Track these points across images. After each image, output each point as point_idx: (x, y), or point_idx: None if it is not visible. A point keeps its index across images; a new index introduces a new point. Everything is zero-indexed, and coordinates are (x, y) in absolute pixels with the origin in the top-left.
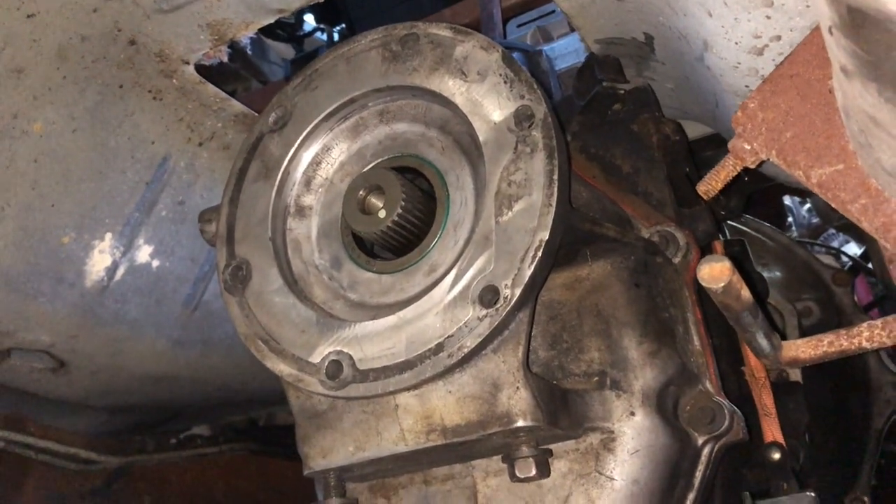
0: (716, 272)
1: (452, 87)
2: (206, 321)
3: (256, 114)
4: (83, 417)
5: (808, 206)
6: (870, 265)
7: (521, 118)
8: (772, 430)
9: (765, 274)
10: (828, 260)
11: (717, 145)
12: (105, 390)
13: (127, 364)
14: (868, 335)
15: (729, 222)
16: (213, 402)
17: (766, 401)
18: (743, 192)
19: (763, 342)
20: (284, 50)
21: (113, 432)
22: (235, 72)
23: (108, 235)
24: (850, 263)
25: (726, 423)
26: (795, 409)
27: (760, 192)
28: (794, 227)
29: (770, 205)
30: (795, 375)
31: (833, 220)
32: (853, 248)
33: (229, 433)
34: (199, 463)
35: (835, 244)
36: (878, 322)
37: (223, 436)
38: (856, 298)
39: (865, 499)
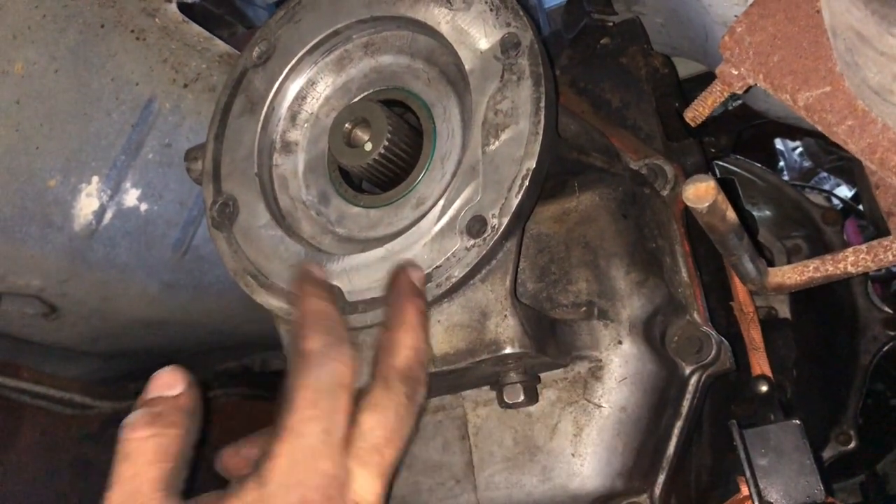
0: (701, 192)
1: (438, 16)
2: (196, 265)
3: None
4: (77, 364)
5: (799, 149)
6: (860, 207)
7: (508, 46)
8: (759, 364)
9: (754, 212)
10: (818, 199)
11: (708, 84)
12: (98, 335)
13: (118, 308)
14: (853, 259)
15: (719, 162)
16: (207, 347)
17: (753, 334)
18: (733, 130)
19: (749, 266)
20: None
21: (108, 379)
22: (220, 17)
23: (95, 178)
24: (842, 206)
25: (713, 352)
26: (784, 345)
27: (752, 136)
28: (785, 171)
29: (761, 148)
30: (784, 313)
31: (824, 162)
32: (844, 192)
33: (223, 378)
34: None
35: (826, 187)
36: (864, 247)
37: (217, 381)
38: (846, 239)
39: (852, 433)
